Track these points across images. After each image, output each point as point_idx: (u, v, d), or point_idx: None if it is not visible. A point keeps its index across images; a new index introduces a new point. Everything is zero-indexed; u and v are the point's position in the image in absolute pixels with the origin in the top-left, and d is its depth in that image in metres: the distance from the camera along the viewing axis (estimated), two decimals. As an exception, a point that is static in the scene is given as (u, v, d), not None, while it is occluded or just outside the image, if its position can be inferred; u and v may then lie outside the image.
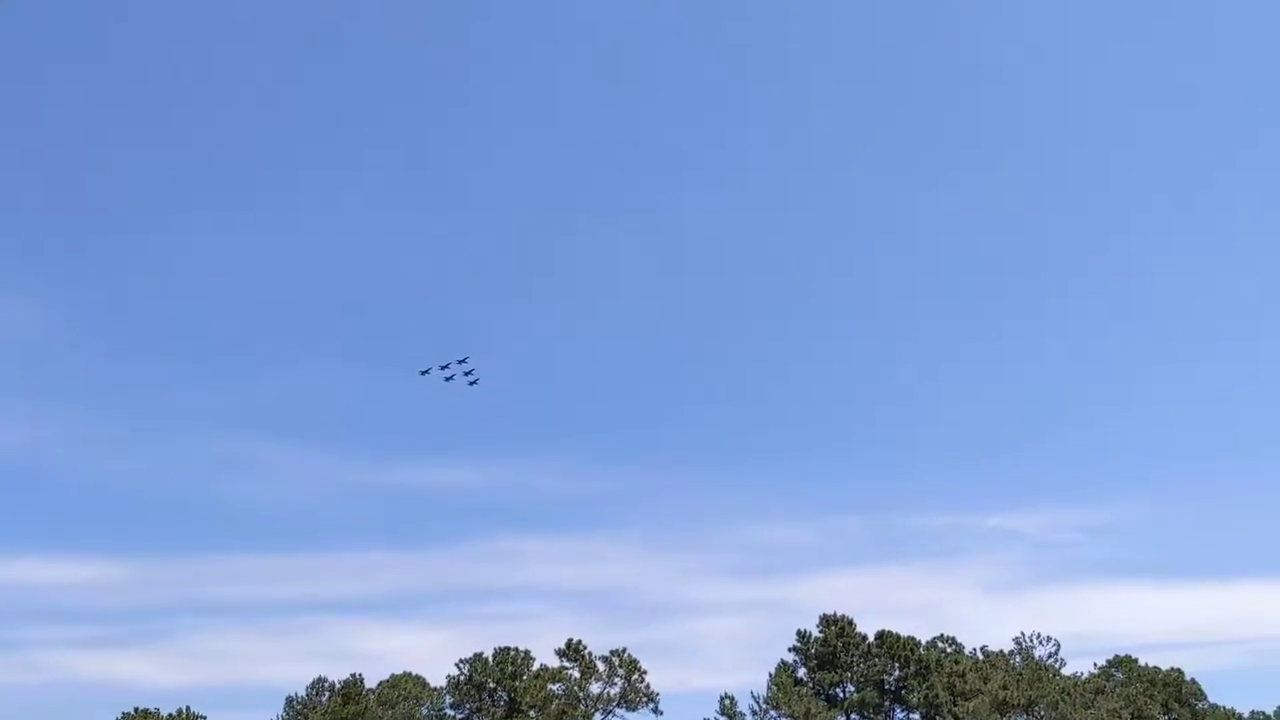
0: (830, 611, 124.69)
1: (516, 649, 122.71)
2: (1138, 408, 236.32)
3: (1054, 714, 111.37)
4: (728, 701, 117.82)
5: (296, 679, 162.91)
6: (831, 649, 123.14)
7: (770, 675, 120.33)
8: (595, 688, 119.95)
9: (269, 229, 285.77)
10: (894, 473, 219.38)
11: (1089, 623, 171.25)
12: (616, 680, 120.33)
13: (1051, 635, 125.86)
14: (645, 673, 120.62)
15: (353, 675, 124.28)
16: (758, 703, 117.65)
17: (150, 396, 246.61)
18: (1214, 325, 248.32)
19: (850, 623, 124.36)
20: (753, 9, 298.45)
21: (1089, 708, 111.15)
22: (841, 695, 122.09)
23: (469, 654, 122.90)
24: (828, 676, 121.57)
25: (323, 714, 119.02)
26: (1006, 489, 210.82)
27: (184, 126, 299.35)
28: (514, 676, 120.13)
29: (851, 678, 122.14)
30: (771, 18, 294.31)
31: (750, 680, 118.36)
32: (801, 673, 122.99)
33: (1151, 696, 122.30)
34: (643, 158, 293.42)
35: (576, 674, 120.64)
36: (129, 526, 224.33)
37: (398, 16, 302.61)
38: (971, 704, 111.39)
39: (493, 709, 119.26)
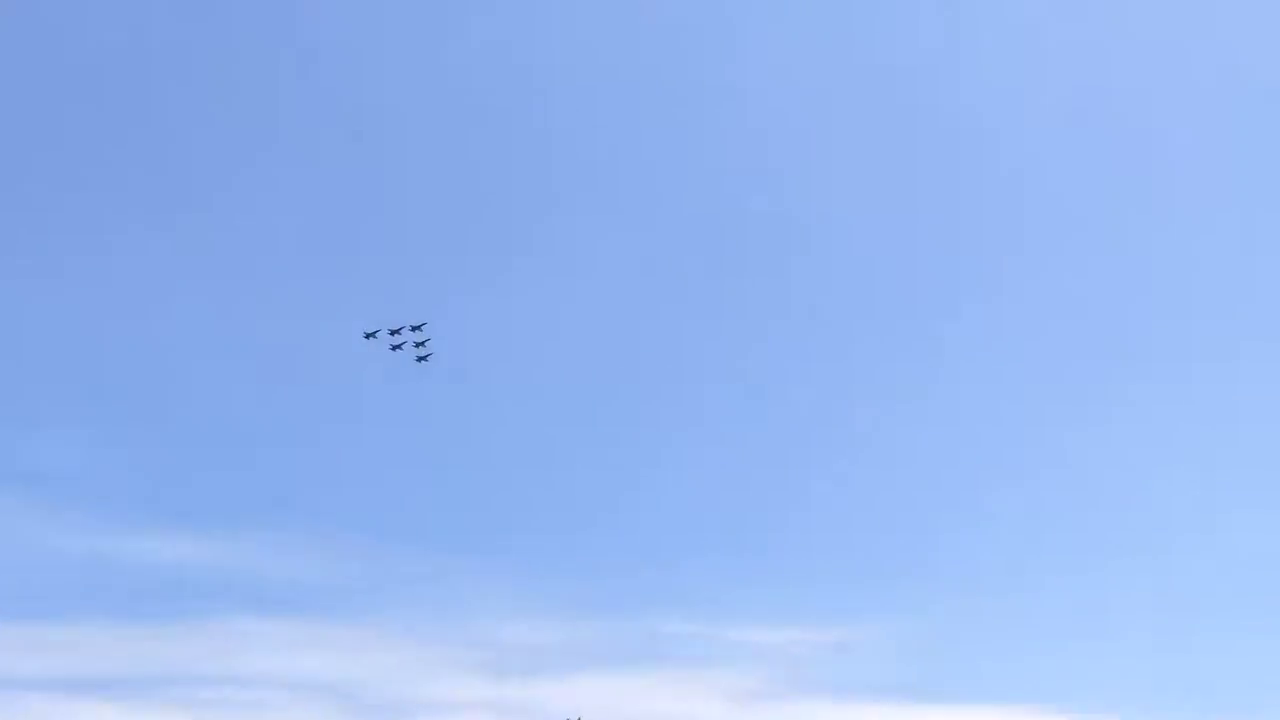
0: (577, 716, 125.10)
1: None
2: (891, 528, 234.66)
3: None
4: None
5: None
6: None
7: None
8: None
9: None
10: (646, 578, 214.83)
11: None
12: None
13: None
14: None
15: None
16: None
17: None
18: (975, 453, 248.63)
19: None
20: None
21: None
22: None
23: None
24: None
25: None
26: (757, 601, 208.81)
27: None
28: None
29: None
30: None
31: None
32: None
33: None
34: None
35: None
36: None
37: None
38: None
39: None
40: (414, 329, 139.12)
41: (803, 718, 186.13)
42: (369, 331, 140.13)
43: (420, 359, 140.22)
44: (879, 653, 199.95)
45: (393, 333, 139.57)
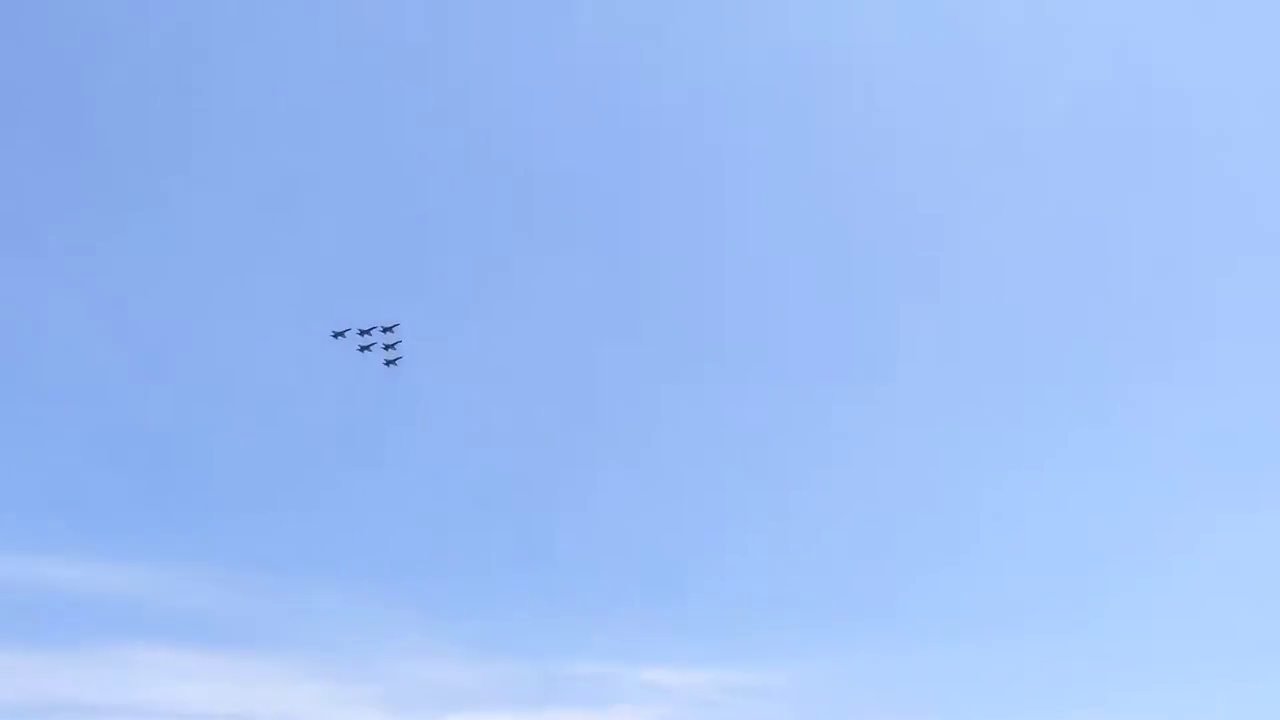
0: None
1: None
2: (802, 571, 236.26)
3: None
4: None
5: None
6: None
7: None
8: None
9: None
10: (555, 617, 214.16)
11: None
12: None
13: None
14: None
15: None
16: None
17: None
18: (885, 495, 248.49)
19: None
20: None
21: None
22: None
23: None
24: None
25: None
26: (668, 642, 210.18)
27: None
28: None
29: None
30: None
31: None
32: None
33: None
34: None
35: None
36: None
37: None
38: None
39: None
40: (385, 330, 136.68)
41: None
42: (337, 331, 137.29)
43: (389, 362, 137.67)
44: (789, 695, 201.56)
45: (362, 333, 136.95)
